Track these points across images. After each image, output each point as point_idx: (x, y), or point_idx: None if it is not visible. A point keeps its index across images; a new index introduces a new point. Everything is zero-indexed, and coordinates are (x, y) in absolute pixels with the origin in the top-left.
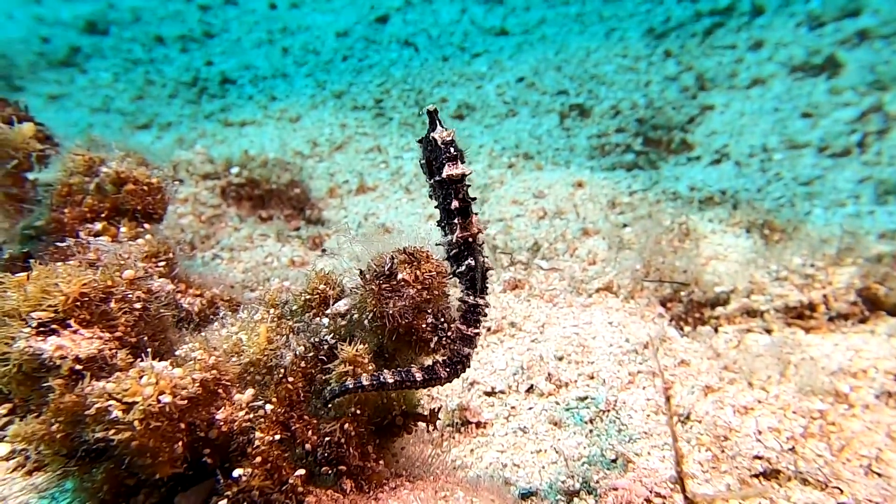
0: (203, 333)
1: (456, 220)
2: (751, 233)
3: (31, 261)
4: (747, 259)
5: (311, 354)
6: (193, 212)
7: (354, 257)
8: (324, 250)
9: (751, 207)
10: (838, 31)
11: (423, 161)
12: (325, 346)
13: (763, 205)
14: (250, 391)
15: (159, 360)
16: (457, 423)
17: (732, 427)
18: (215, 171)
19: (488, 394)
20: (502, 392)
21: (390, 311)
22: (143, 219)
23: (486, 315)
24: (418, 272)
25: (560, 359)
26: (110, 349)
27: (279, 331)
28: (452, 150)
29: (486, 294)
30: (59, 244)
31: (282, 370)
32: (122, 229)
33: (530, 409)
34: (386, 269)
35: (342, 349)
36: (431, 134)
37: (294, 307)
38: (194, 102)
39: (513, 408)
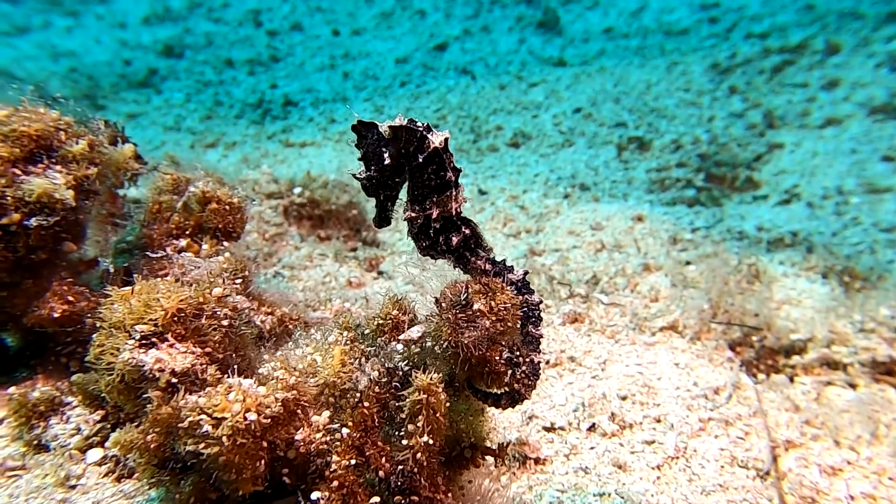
0: (281, 352)
1: (451, 192)
2: (828, 279)
3: (135, 275)
4: (825, 306)
5: (385, 380)
6: (258, 230)
7: (410, 280)
8: (380, 272)
9: (828, 252)
10: None
11: (380, 169)
12: (399, 373)
13: (841, 250)
14: (327, 413)
15: (244, 378)
16: (516, 458)
17: (820, 489)
18: (279, 191)
19: (547, 429)
20: (562, 428)
21: (465, 342)
22: (223, 237)
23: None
24: (493, 303)
25: (624, 398)
26: (202, 364)
27: (352, 354)
28: (420, 124)
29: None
30: (151, 255)
31: (357, 394)
32: (205, 246)
33: (592, 448)
34: (462, 298)
35: (416, 377)
36: (383, 126)
37: (367, 331)
38: (258, 123)
39: (573, 446)
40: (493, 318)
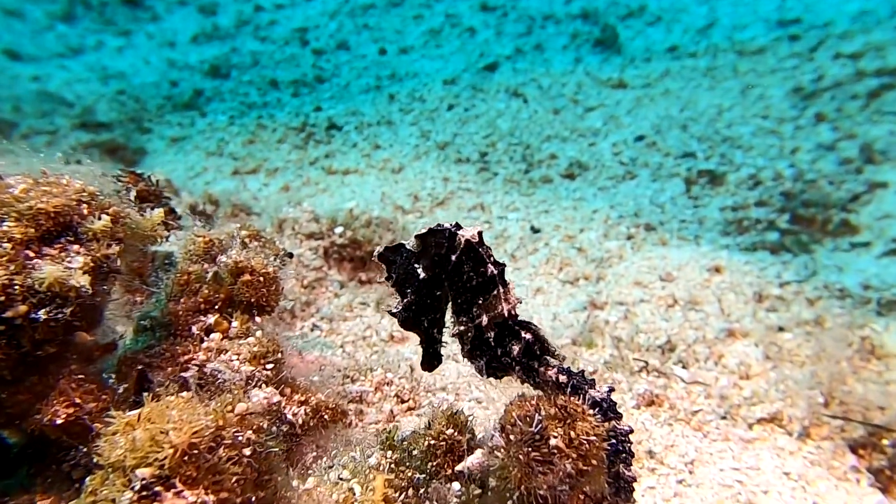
0: (311, 479)
1: (497, 291)
2: None
3: (144, 394)
4: None
5: None
6: (296, 276)
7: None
8: None
9: None
10: None
11: (416, 282)
12: None
13: None
14: None
15: None
16: None
17: None
18: (320, 231)
19: None
20: None
21: (539, 492)
22: (255, 311)
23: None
24: (573, 433)
25: None
26: None
27: (397, 483)
28: (446, 224)
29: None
30: (174, 346)
31: None
32: (235, 323)
33: None
34: (535, 429)
35: None
36: (408, 243)
37: (415, 451)
38: (301, 148)
39: None
40: (574, 456)
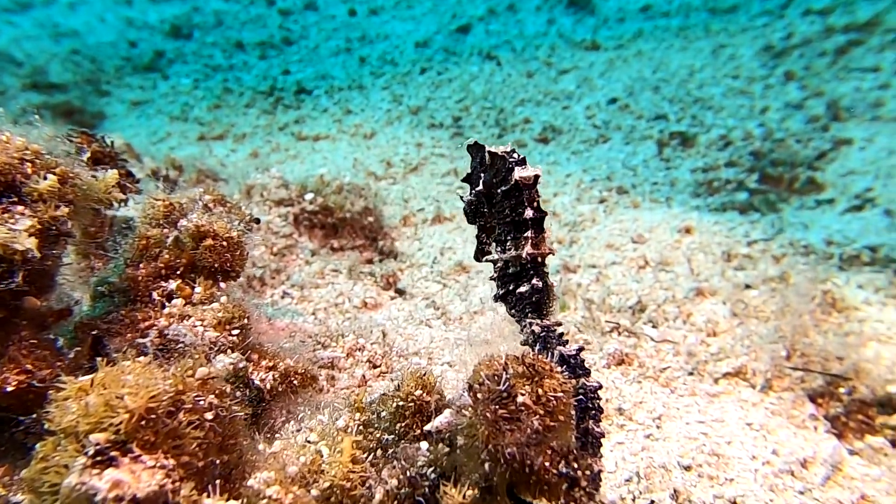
0: (277, 442)
1: (528, 234)
2: None
3: (98, 359)
4: None
5: (405, 491)
6: (265, 242)
7: (431, 302)
8: (398, 291)
9: None
10: None
11: (477, 194)
12: (425, 484)
13: None
14: None
15: (227, 497)
16: None
17: None
18: (289, 198)
19: None
20: None
21: (508, 450)
22: (220, 277)
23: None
24: (540, 391)
25: (687, 468)
26: (173, 482)
27: (366, 444)
28: (517, 155)
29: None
30: (133, 313)
31: None
32: (198, 289)
33: None
34: (502, 387)
35: (446, 493)
36: (489, 149)
37: (384, 413)
38: (269, 113)
39: None
40: (542, 412)
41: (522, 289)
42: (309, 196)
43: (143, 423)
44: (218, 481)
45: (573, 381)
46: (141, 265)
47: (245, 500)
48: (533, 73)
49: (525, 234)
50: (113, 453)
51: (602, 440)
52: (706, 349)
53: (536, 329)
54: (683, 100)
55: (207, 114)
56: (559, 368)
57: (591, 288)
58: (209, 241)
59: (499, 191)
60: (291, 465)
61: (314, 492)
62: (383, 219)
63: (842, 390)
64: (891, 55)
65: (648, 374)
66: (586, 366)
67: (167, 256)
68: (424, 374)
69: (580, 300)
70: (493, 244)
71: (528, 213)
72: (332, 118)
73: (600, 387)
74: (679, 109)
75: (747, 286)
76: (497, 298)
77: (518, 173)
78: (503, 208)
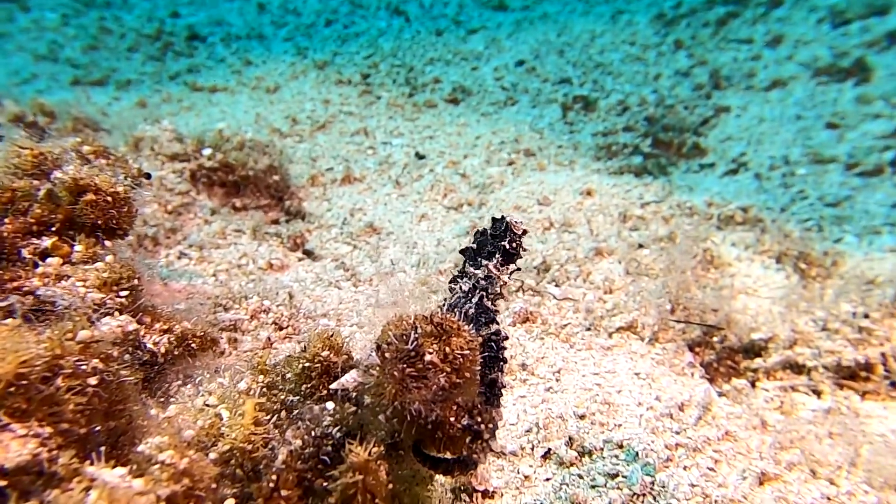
0: (172, 406)
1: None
2: (782, 263)
3: None
4: (783, 298)
5: (310, 450)
6: (158, 199)
7: (340, 263)
8: (306, 252)
9: (781, 233)
10: (866, 32)
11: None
12: (330, 442)
13: (791, 228)
14: None
15: (114, 465)
16: (459, 490)
17: None
18: (185, 152)
19: (497, 455)
20: (514, 454)
21: (414, 406)
22: (104, 235)
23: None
24: (448, 349)
25: (582, 417)
26: (49, 451)
27: (269, 406)
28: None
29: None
30: None
31: (273, 477)
32: (78, 247)
33: (547, 479)
34: (410, 346)
35: (351, 450)
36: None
37: (289, 374)
38: (157, 59)
39: (526, 477)
40: (448, 370)
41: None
42: (207, 151)
43: (11, 389)
44: (103, 448)
45: (487, 329)
46: (6, 220)
47: (134, 467)
48: (442, 31)
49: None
50: None
51: (503, 391)
52: (602, 305)
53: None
54: (586, 64)
55: (82, 55)
56: (467, 327)
57: None
58: (90, 196)
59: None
60: (188, 429)
61: (213, 455)
62: (290, 178)
63: (715, 339)
64: (762, 28)
65: (550, 331)
66: (493, 316)
67: (38, 211)
68: (331, 335)
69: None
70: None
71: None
72: (231, 69)
73: (506, 337)
74: (582, 74)
75: (640, 245)
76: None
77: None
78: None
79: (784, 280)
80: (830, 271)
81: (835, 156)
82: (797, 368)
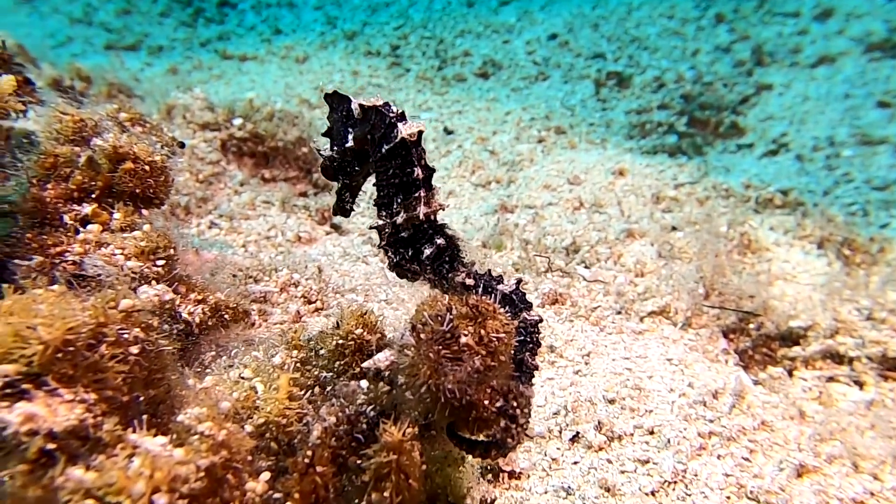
0: (208, 377)
1: (419, 193)
2: (824, 249)
3: (4, 286)
4: (824, 284)
5: (344, 428)
6: (190, 168)
7: (367, 239)
8: (334, 226)
9: (824, 218)
10: None
11: (342, 151)
12: (364, 421)
13: (835, 213)
14: (265, 477)
15: (155, 433)
16: (486, 470)
17: None
18: (216, 121)
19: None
20: (541, 436)
21: (448, 387)
22: (141, 204)
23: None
24: (483, 332)
25: (611, 402)
26: (95, 416)
27: (303, 381)
28: (395, 108)
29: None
30: (41, 236)
31: (308, 453)
32: (116, 215)
33: (575, 463)
34: (446, 328)
35: (385, 430)
36: (355, 103)
37: (322, 350)
38: (189, 25)
39: (554, 459)
40: (484, 353)
41: (427, 251)
42: (237, 121)
43: (59, 355)
44: (144, 417)
45: (515, 320)
46: (49, 185)
47: (174, 436)
48: (473, 3)
49: (416, 195)
50: (25, 386)
51: (535, 373)
52: (634, 289)
53: (469, 281)
54: (621, 38)
55: (116, 19)
56: (502, 309)
57: (528, 228)
58: (129, 165)
59: (380, 151)
60: (224, 401)
61: (248, 427)
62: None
63: (751, 326)
64: (810, 1)
65: (580, 314)
66: (527, 299)
67: (79, 178)
68: (365, 313)
69: (517, 240)
70: (378, 209)
71: (418, 172)
72: (261, 37)
73: (541, 320)
74: (616, 48)
75: (673, 228)
76: (392, 267)
77: (403, 130)
78: (386, 169)
79: (826, 266)
80: (876, 258)
81: (885, 136)
82: (838, 358)
